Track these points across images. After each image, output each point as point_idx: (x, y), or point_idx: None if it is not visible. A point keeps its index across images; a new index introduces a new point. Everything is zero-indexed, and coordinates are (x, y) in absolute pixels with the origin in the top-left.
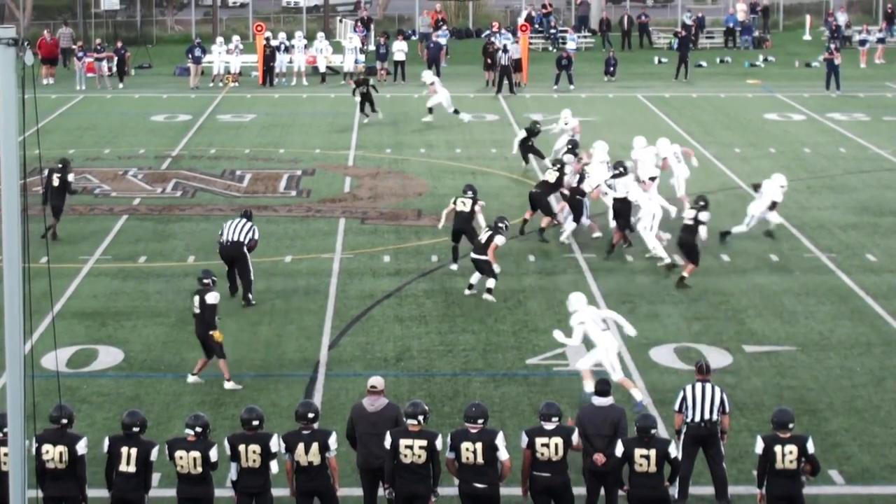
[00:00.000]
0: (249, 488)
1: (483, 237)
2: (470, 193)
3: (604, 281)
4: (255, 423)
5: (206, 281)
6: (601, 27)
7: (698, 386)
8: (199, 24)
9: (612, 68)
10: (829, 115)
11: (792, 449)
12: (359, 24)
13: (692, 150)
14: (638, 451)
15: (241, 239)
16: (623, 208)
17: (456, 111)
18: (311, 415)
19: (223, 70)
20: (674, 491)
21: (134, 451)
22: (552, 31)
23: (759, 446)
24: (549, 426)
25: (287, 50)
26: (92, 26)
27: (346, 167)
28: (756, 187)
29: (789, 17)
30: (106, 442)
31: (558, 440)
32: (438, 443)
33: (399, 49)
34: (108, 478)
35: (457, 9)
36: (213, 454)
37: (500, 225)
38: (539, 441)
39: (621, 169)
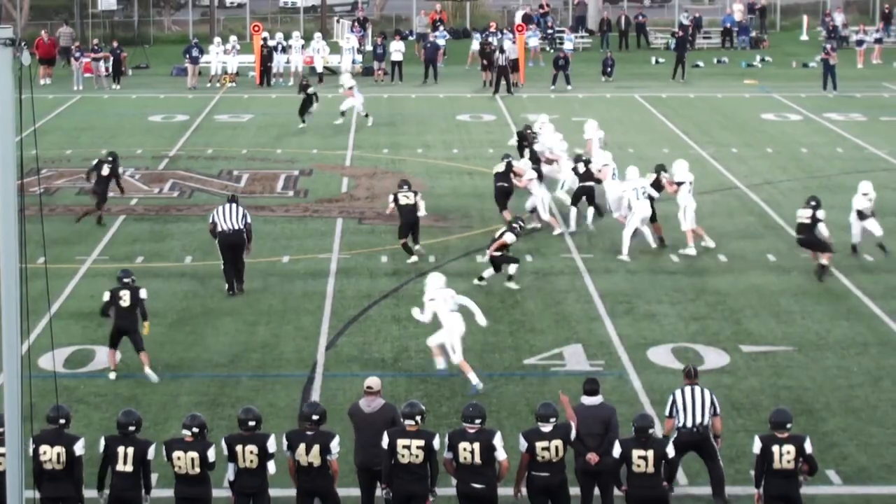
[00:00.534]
0: (247, 489)
1: (497, 234)
2: (406, 187)
3: (601, 281)
4: (252, 423)
5: (126, 280)
6: (602, 28)
7: (688, 390)
8: (197, 25)
9: (609, 69)
10: (826, 115)
11: (790, 449)
12: (356, 24)
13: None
14: (636, 452)
15: (241, 226)
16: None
17: (367, 115)
18: (315, 416)
19: (220, 70)
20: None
21: (130, 450)
22: (549, 31)
23: (757, 446)
24: (546, 428)
25: (284, 50)
26: (89, 26)
27: (344, 167)
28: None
29: (786, 18)
30: (102, 442)
31: (558, 442)
32: (436, 443)
33: (396, 49)
34: (101, 478)
35: (454, 9)
36: (211, 454)
37: (515, 225)
38: (539, 444)
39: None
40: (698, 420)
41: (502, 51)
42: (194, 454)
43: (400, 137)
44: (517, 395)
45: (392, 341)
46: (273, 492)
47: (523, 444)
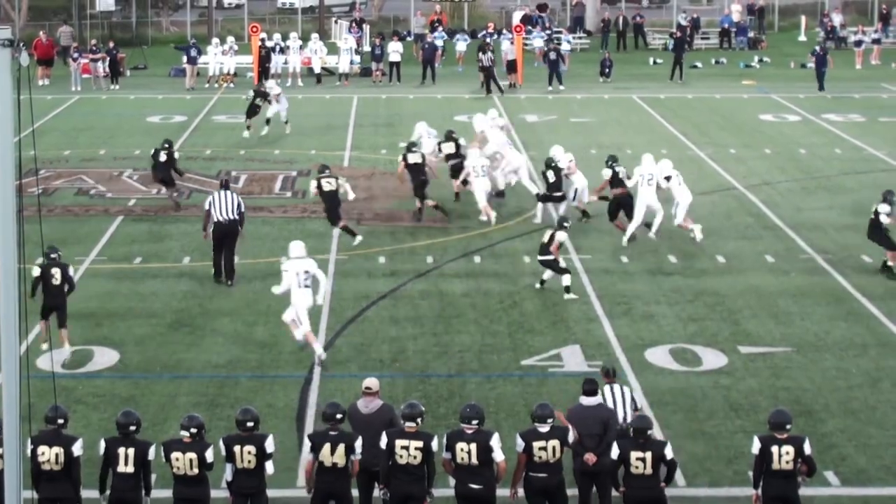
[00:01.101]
0: (245, 489)
1: (545, 237)
2: (327, 171)
3: (599, 282)
4: (251, 424)
5: (53, 256)
6: (603, 28)
7: (607, 389)
8: (195, 26)
9: (607, 70)
10: (825, 116)
11: (789, 450)
12: (354, 25)
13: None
14: (634, 454)
15: (236, 216)
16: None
17: (286, 122)
18: (339, 415)
19: (219, 71)
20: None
21: (131, 451)
22: (548, 31)
23: (756, 447)
24: (543, 428)
25: (282, 51)
26: (87, 27)
27: (342, 168)
28: None
29: (784, 18)
30: (102, 444)
31: (555, 442)
32: (434, 444)
33: (394, 50)
34: (102, 480)
35: (452, 10)
36: (209, 455)
37: (565, 224)
38: (536, 445)
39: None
40: (626, 416)
41: (484, 51)
42: (193, 455)
43: (398, 138)
44: (515, 395)
45: (390, 342)
46: (271, 492)
47: (520, 445)
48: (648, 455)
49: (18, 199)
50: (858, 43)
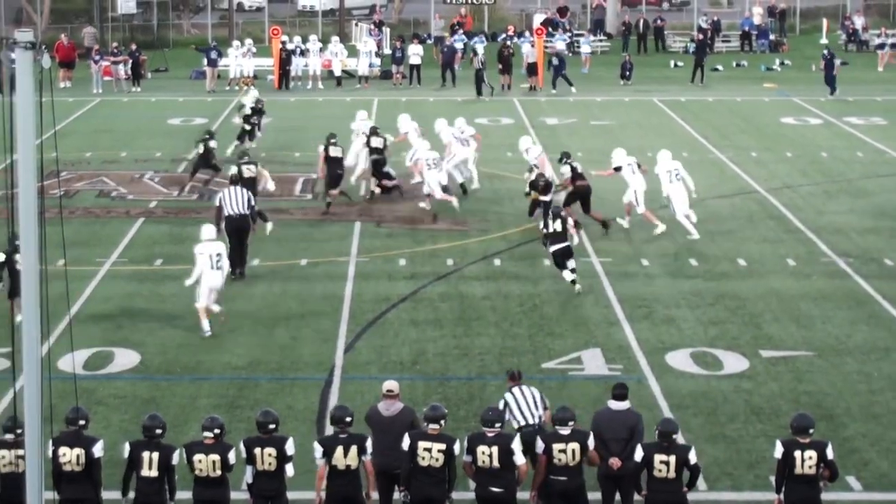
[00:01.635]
0: (265, 492)
1: (553, 227)
2: (247, 158)
3: (620, 285)
4: (271, 426)
5: (18, 242)
6: (624, 31)
7: (517, 391)
8: (216, 28)
9: (627, 72)
10: (846, 118)
11: (811, 454)
12: (374, 27)
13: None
14: (658, 457)
15: (247, 211)
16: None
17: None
18: (348, 418)
19: (239, 73)
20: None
21: (156, 455)
22: (568, 34)
23: (779, 451)
24: (564, 431)
25: (303, 53)
26: (109, 30)
27: (364, 171)
28: None
29: (806, 21)
30: (126, 447)
31: (575, 445)
32: (457, 447)
33: (415, 53)
34: (125, 483)
35: (472, 12)
36: (232, 457)
37: (563, 214)
38: (556, 447)
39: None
40: (535, 418)
41: (475, 53)
42: (216, 456)
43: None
44: None
45: (410, 344)
46: (291, 495)
47: (540, 447)
48: (672, 459)
49: (40, 201)
50: (881, 46)
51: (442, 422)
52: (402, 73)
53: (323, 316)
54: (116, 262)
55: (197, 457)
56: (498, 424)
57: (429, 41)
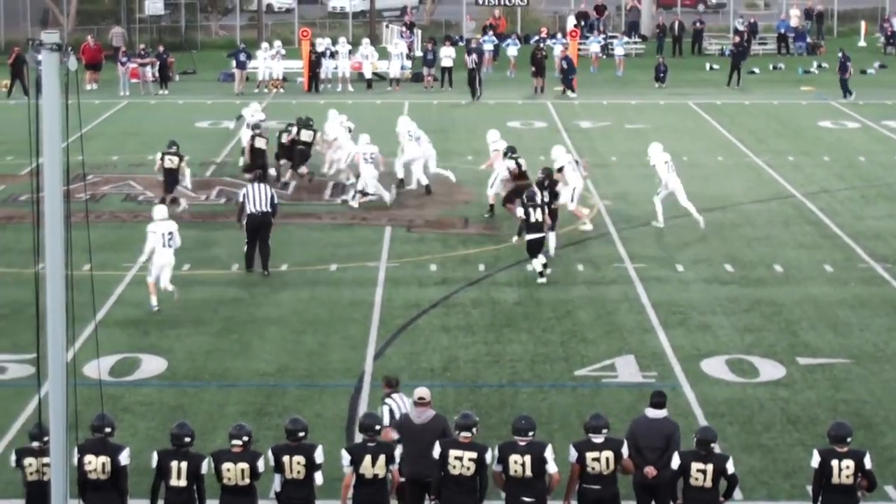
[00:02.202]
0: (294, 500)
1: (535, 217)
2: (175, 148)
3: (654, 291)
4: (300, 433)
5: None
6: (658, 33)
7: (396, 397)
8: (245, 30)
9: (661, 75)
10: (885, 122)
11: (849, 464)
12: (405, 29)
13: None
14: (695, 465)
15: (269, 208)
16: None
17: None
18: (377, 426)
19: (268, 76)
20: None
21: (184, 464)
22: (602, 35)
23: (816, 460)
24: (598, 439)
25: (332, 56)
26: (136, 31)
27: (393, 175)
28: None
29: (844, 24)
30: (154, 457)
31: (609, 454)
32: (488, 456)
33: (447, 55)
34: (154, 492)
35: (505, 14)
36: (261, 465)
37: (542, 203)
38: (590, 455)
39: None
40: None
41: (469, 53)
42: (244, 465)
43: (449, 144)
44: (568, 406)
45: (441, 351)
46: (320, 503)
47: (573, 455)
48: (710, 468)
49: (66, 205)
50: None
51: (473, 430)
52: (433, 75)
53: (352, 322)
54: (143, 266)
55: (225, 465)
56: (531, 433)
57: (461, 43)
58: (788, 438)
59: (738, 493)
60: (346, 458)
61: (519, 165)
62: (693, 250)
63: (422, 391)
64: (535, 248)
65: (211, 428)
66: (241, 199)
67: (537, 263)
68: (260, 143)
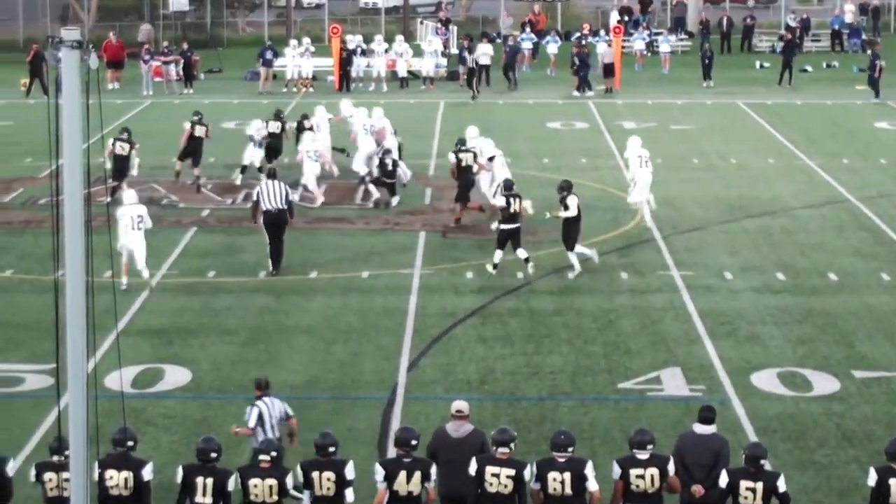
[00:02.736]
0: None
1: (514, 208)
2: (127, 134)
3: (702, 300)
4: (331, 448)
5: None
6: (702, 30)
7: (267, 400)
8: (272, 26)
9: (707, 60)
10: None
11: None
12: (440, 25)
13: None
14: (744, 483)
15: (285, 205)
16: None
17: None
18: (413, 441)
19: (297, 74)
20: None
21: (210, 480)
22: (647, 32)
23: (872, 478)
24: (642, 455)
25: (364, 53)
26: (160, 28)
27: (427, 178)
28: None
29: None
30: (179, 472)
31: (654, 471)
32: (527, 473)
33: (484, 52)
34: None
35: (545, 10)
36: (290, 482)
37: (520, 194)
38: (634, 472)
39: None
40: (274, 427)
41: (471, 51)
42: (272, 482)
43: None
44: (611, 421)
45: (477, 362)
46: None
47: (616, 472)
48: (760, 486)
49: (86, 208)
50: None
51: (511, 445)
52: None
53: (385, 331)
54: (167, 273)
55: (252, 482)
56: (570, 448)
57: (498, 40)
58: (843, 455)
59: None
60: (379, 473)
61: (459, 161)
62: (742, 257)
63: (460, 404)
64: (507, 238)
65: (237, 442)
66: (255, 197)
67: (499, 255)
68: (199, 132)
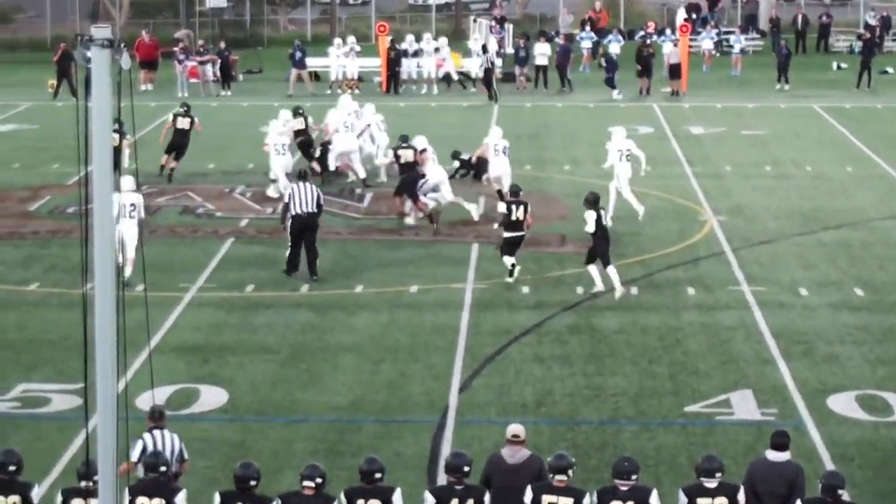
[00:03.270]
0: None
1: (516, 216)
2: (117, 125)
3: (774, 317)
4: (377, 475)
5: None
6: (772, 28)
7: (157, 433)
8: (315, 24)
9: (784, 58)
10: None
11: None
12: (495, 24)
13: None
14: None
15: (316, 209)
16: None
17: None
18: (466, 468)
19: (341, 75)
20: None
21: None
22: (716, 31)
23: None
24: (710, 484)
25: (415, 54)
26: (196, 26)
27: (480, 184)
28: None
29: None
30: (217, 499)
31: (723, 500)
32: (586, 502)
33: (541, 52)
34: None
35: (607, 7)
36: None
37: (525, 202)
38: (701, 502)
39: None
40: (172, 464)
41: (486, 51)
42: None
43: (544, 152)
44: (677, 447)
45: (534, 383)
46: None
47: (683, 501)
48: None
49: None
50: None
51: (570, 472)
52: (526, 75)
53: (435, 350)
54: (203, 287)
55: None
56: (634, 476)
57: (557, 39)
58: None
59: None
60: (429, 500)
61: (398, 157)
62: (818, 272)
63: (516, 428)
64: (512, 247)
65: (276, 468)
66: (286, 200)
67: (508, 262)
68: (181, 124)
